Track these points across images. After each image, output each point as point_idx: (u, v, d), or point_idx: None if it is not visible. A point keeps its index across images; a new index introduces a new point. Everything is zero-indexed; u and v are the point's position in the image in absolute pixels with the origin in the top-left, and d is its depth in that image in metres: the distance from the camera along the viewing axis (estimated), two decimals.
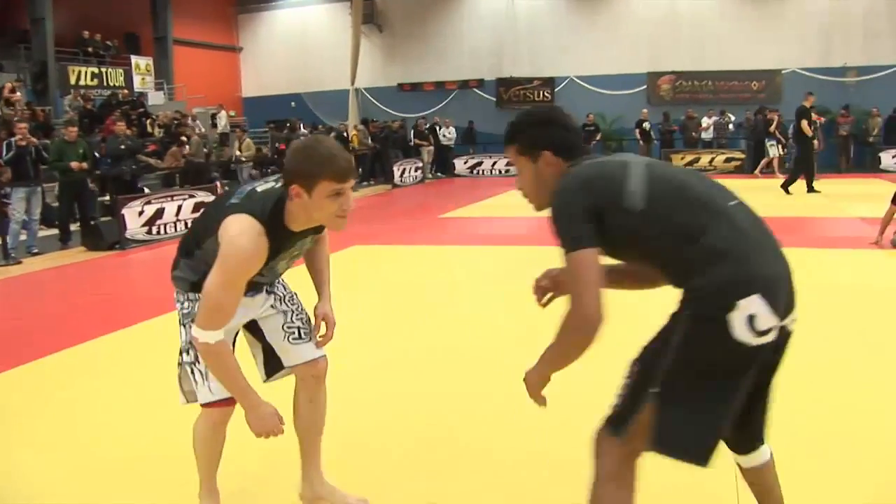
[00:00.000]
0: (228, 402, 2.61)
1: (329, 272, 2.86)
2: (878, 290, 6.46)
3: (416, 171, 20.21)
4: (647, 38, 22.36)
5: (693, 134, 20.61)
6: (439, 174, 21.62)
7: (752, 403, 2.15)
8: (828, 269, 7.20)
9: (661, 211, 2.02)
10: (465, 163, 22.11)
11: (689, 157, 20.25)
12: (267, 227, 2.33)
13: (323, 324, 2.80)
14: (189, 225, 2.50)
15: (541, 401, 2.20)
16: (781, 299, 1.96)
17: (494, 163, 21.82)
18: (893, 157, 19.62)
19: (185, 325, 2.61)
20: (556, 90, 22.93)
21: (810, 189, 14.22)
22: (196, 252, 2.51)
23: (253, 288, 2.61)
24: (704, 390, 2.00)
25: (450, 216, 12.59)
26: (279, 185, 2.39)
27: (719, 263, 1.95)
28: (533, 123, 2.27)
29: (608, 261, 2.25)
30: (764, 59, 21.77)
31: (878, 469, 3.16)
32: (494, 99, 23.55)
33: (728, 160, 20.50)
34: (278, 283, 2.80)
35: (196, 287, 2.51)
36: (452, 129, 22.14)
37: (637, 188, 2.04)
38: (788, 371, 2.18)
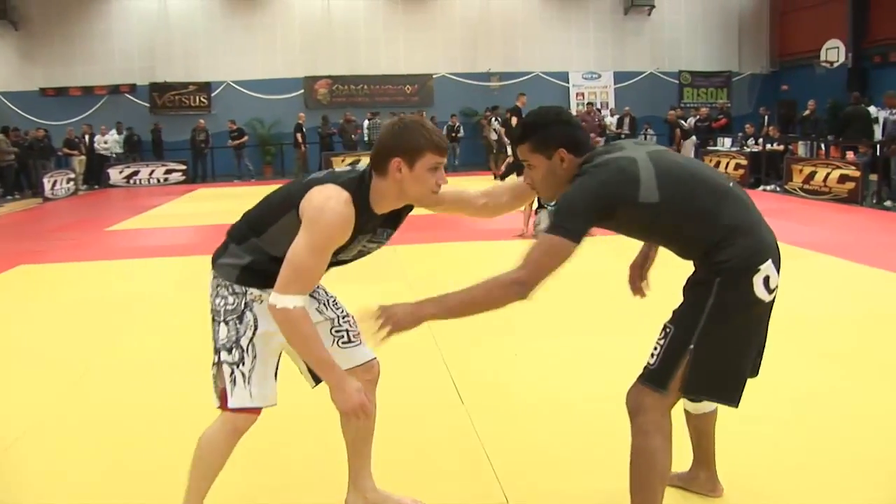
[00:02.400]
0: (258, 411, 2.68)
1: None
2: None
3: (68, 182, 20.24)
4: (303, 43, 24.48)
5: (352, 136, 21.96)
6: (95, 186, 21.85)
7: (759, 353, 2.73)
8: (484, 260, 8.31)
9: (678, 199, 2.47)
10: (121, 172, 22.35)
11: (349, 159, 21.45)
12: (354, 198, 2.49)
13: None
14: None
15: (383, 337, 2.47)
16: (779, 262, 2.54)
17: (152, 171, 22.06)
18: None
19: (226, 322, 2.66)
20: (212, 95, 24.22)
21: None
22: (253, 238, 2.64)
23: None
24: (734, 343, 2.55)
25: (118, 229, 12.78)
26: (359, 168, 2.61)
27: (738, 237, 2.47)
28: (546, 123, 2.63)
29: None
30: (416, 64, 24.87)
31: None
32: (148, 105, 24.15)
33: None
34: (319, 288, 2.92)
35: (245, 276, 2.64)
36: (114, 136, 22.55)
37: (650, 183, 2.46)
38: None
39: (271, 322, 2.56)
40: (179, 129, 22.78)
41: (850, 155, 15.02)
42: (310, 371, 2.82)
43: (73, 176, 20.62)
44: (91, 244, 11.00)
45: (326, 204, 2.45)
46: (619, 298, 3.60)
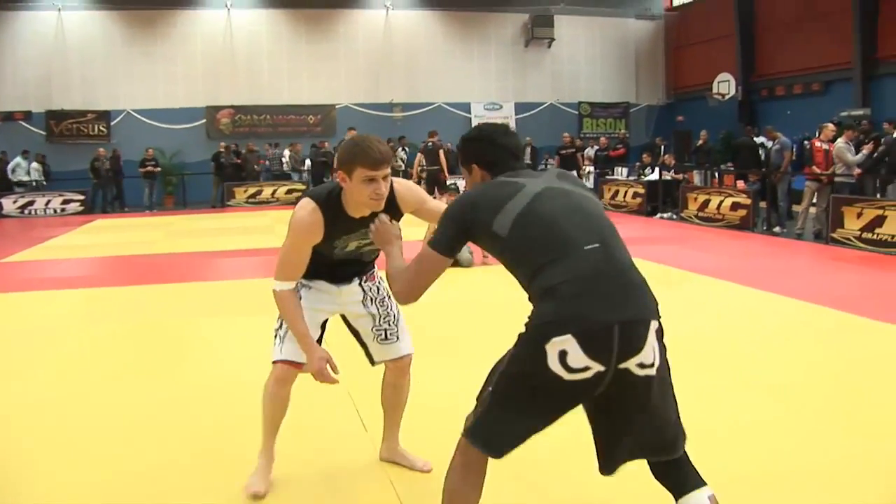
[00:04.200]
0: (292, 364, 3.45)
1: None
2: (470, 302, 8.18)
3: None
4: (205, 72, 25.77)
5: (255, 167, 21.87)
6: None
7: (619, 436, 2.56)
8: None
9: (518, 242, 2.51)
10: (15, 202, 22.43)
11: (251, 190, 21.55)
12: (321, 206, 3.19)
13: None
14: None
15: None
16: (605, 345, 2.35)
17: (48, 201, 21.94)
18: None
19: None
20: (111, 124, 25.25)
21: None
22: None
23: (341, 278, 3.53)
24: (519, 402, 2.47)
25: (16, 260, 12.57)
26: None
27: (547, 300, 2.41)
28: (466, 139, 2.92)
29: None
30: (319, 94, 26.44)
31: None
32: (45, 133, 24.75)
33: (289, 191, 22.07)
34: (375, 282, 3.66)
35: (307, 272, 3.37)
36: (34, 165, 22.59)
37: (508, 217, 2.52)
38: None
39: (315, 301, 3.47)
40: (78, 157, 23.37)
41: (740, 184, 15.73)
42: (366, 354, 3.67)
43: None
44: None
45: (297, 213, 3.20)
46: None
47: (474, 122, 26.58)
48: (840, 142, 13.66)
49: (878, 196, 12.94)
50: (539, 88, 27.91)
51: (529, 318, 2.45)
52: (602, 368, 2.35)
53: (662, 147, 21.70)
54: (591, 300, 2.38)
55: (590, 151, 22.96)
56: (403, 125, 25.65)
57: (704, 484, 2.59)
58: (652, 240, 13.27)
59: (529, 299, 2.52)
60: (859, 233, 12.03)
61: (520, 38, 27.83)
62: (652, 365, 2.43)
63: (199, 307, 8.39)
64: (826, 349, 6.20)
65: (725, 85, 24.14)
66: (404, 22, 26.81)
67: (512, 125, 26.80)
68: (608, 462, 2.60)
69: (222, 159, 22.91)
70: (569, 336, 2.33)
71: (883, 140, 13.58)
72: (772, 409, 4.68)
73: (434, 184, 17.63)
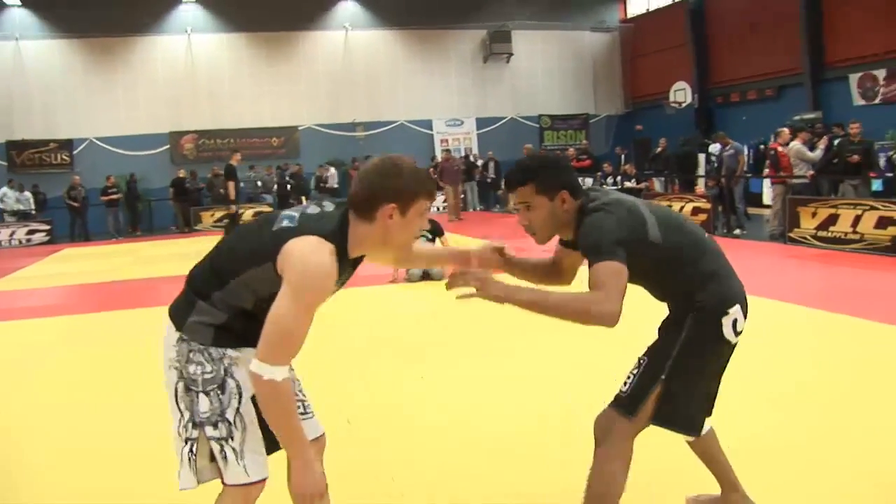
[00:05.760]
0: (263, 481, 2.53)
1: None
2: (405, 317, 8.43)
3: None
4: (167, 98, 25.82)
5: (220, 190, 21.93)
6: None
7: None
8: (361, 304, 9.05)
9: (673, 242, 2.82)
10: None
11: (218, 213, 21.37)
12: (337, 249, 2.37)
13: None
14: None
15: (468, 294, 2.66)
16: (748, 310, 2.91)
17: (13, 232, 21.86)
18: None
19: (207, 394, 2.46)
20: (74, 153, 25.22)
21: None
22: (216, 292, 2.45)
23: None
24: (700, 377, 2.90)
25: None
26: (333, 209, 2.49)
27: (714, 282, 2.86)
28: (547, 166, 2.89)
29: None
30: (282, 116, 26.56)
31: None
32: (6, 163, 24.65)
33: (258, 214, 21.78)
34: None
35: (221, 336, 2.47)
36: (26, 195, 22.47)
37: (654, 224, 2.80)
38: None
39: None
40: (41, 187, 23.34)
41: (697, 189, 16.08)
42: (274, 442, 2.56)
43: None
44: None
45: (310, 259, 2.29)
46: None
47: (437, 139, 27.26)
48: (796, 143, 14.11)
49: (833, 196, 13.35)
50: (499, 103, 28.26)
51: (692, 303, 2.83)
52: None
53: (623, 156, 22.11)
54: (735, 277, 2.93)
55: None
56: (366, 144, 25.83)
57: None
58: None
59: (676, 290, 2.89)
60: (815, 231, 12.45)
61: (478, 54, 28.21)
62: None
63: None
64: (787, 342, 6.45)
65: (682, 93, 24.63)
66: (364, 42, 27.08)
67: (474, 140, 27.23)
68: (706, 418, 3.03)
69: (187, 184, 23.06)
70: (737, 306, 2.85)
71: (836, 143, 14.02)
72: (739, 397, 4.65)
73: None
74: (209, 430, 2.45)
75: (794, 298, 8.09)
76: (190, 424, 2.48)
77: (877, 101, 19.31)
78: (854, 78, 19.86)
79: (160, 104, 25.39)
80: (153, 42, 25.43)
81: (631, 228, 2.73)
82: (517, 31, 27.86)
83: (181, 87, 25.54)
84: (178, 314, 2.51)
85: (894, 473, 3.77)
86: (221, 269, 2.45)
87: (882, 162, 16.59)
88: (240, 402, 2.48)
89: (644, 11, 28.83)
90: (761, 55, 22.80)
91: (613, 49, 29.68)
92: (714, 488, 3.31)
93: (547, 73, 28.97)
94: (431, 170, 21.60)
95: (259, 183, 24.43)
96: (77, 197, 22.18)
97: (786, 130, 15.31)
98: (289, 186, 23.38)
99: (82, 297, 11.20)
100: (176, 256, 15.72)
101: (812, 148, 14.13)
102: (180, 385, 2.49)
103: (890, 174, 15.96)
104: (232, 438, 2.46)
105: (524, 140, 25.86)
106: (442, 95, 27.86)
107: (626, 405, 2.84)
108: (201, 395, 2.45)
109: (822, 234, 12.36)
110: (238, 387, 2.48)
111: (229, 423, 2.46)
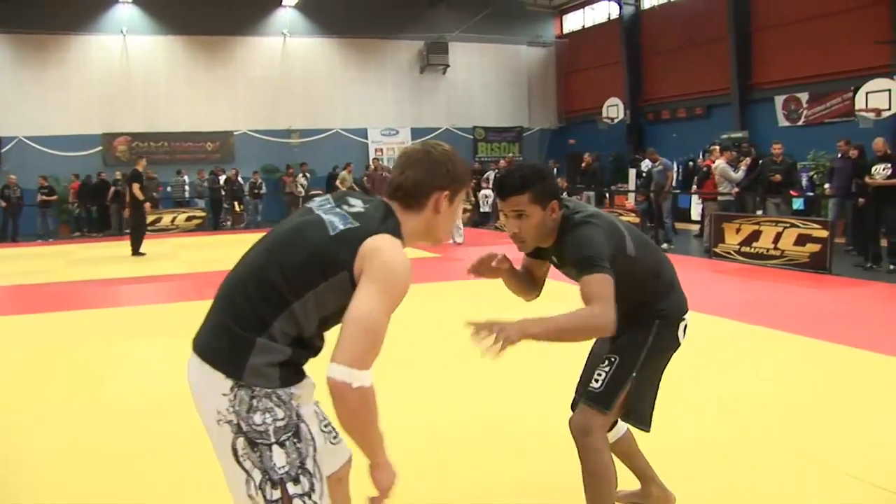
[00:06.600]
0: None
1: None
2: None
3: None
4: (101, 99, 25.43)
5: (154, 194, 21.93)
6: None
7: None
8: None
9: (644, 256, 3.07)
10: None
11: (151, 218, 21.60)
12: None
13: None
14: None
15: (498, 350, 2.52)
16: None
17: None
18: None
19: (282, 445, 2.13)
20: (2, 151, 24.62)
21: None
22: (278, 320, 2.11)
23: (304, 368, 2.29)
24: (657, 377, 3.21)
25: None
26: (371, 204, 2.30)
27: (673, 291, 3.20)
28: (544, 176, 2.94)
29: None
30: (217, 121, 26.43)
31: None
32: None
33: (189, 218, 22.11)
34: None
35: (287, 374, 2.16)
36: None
37: (629, 239, 3.02)
38: None
39: (315, 421, 2.31)
40: None
41: (628, 203, 16.50)
42: None
43: None
44: None
45: (397, 258, 2.13)
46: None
47: (371, 148, 27.38)
48: (720, 162, 14.61)
49: (759, 213, 13.83)
50: (435, 114, 28.52)
51: (657, 309, 3.12)
52: None
53: (556, 169, 22.47)
54: (680, 287, 3.24)
55: (490, 174, 22.92)
56: (301, 151, 25.97)
57: None
58: None
59: (644, 298, 3.10)
60: (738, 247, 12.90)
61: (415, 65, 28.43)
62: None
63: (108, 332, 8.47)
64: (707, 352, 6.65)
65: (614, 109, 25.09)
66: (301, 49, 27.10)
67: None
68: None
69: (119, 186, 22.60)
70: (689, 312, 3.21)
71: (760, 162, 14.53)
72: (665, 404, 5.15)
73: None
74: (291, 487, 2.11)
75: (716, 311, 8.40)
76: (268, 485, 2.11)
77: (800, 122, 19.99)
78: (779, 100, 20.51)
79: (93, 105, 25.02)
80: (87, 41, 25.06)
81: (616, 242, 2.92)
82: (455, 42, 28.17)
83: (115, 89, 25.21)
84: (227, 357, 2.12)
85: (807, 465, 4.08)
86: (277, 293, 2.11)
87: (804, 182, 17.27)
88: (315, 449, 2.20)
89: (580, 28, 29.37)
90: (692, 74, 23.42)
91: (549, 64, 30.19)
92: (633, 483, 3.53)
93: (483, 86, 29.35)
94: (365, 178, 21.86)
95: (186, 187, 24.32)
96: (11, 196, 21.68)
97: (717, 148, 15.87)
98: (223, 192, 23.50)
99: (14, 298, 10.98)
100: (110, 259, 15.56)
101: (735, 168, 14.65)
102: (240, 441, 2.11)
103: (811, 193, 16.62)
104: (313, 491, 2.15)
105: (459, 150, 25.67)
106: (378, 104, 28.01)
107: (602, 401, 3.04)
108: (275, 448, 2.11)
109: (745, 249, 12.79)
110: (310, 431, 2.21)
111: (310, 475, 2.15)
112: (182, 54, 25.95)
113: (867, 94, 16.46)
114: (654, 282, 3.13)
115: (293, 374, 2.17)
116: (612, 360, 3.09)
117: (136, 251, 15.99)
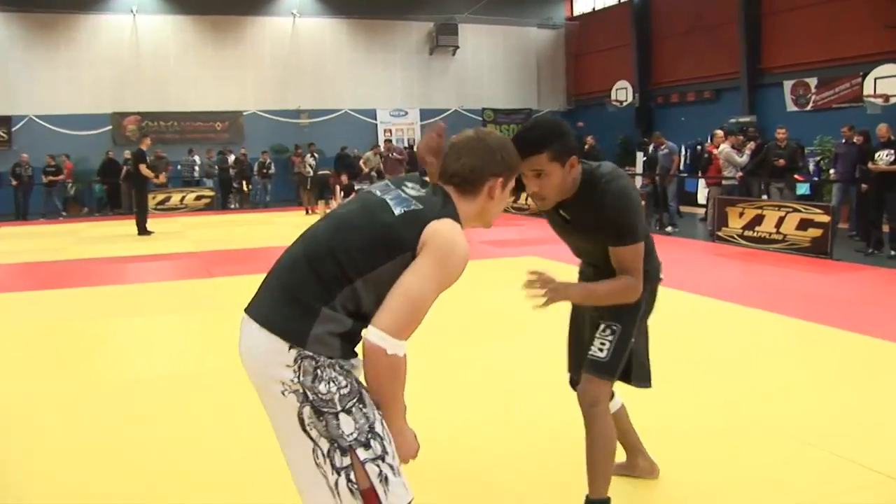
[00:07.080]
0: None
1: None
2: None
3: None
4: (111, 78, 25.45)
5: (164, 172, 21.91)
6: None
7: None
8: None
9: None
10: None
11: (160, 197, 21.75)
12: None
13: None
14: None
15: (544, 304, 2.92)
16: None
17: None
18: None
19: (349, 412, 2.18)
20: (13, 129, 24.67)
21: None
22: (341, 294, 2.18)
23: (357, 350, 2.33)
24: (646, 335, 3.37)
25: None
26: (430, 189, 2.39)
27: (653, 255, 3.23)
28: (562, 133, 2.84)
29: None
30: (227, 100, 26.47)
31: None
32: None
33: (199, 198, 22.24)
34: None
35: (348, 345, 2.23)
36: None
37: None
38: None
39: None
40: None
41: None
42: None
43: None
44: None
45: (458, 242, 2.22)
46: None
47: (380, 129, 27.43)
48: (725, 146, 14.69)
49: (765, 197, 13.90)
50: (444, 95, 28.52)
51: (646, 271, 3.06)
52: None
53: None
54: None
55: None
56: (310, 132, 25.96)
57: None
58: (545, 240, 13.72)
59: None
60: (741, 230, 13.01)
61: (425, 46, 28.37)
62: None
63: (114, 308, 8.65)
64: (708, 336, 6.89)
65: (623, 92, 25.08)
66: (311, 29, 27.06)
67: (417, 131, 27.46)
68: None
69: (128, 166, 22.57)
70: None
71: (766, 146, 14.57)
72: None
73: None
74: (361, 453, 2.16)
75: (717, 294, 8.55)
76: (337, 453, 2.17)
77: (808, 108, 19.96)
78: (788, 84, 20.46)
79: (103, 84, 25.03)
80: (97, 20, 25.06)
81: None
82: (464, 24, 28.12)
83: (125, 68, 25.22)
84: (291, 326, 2.18)
85: (806, 448, 4.19)
86: (341, 269, 2.18)
87: (811, 167, 17.30)
88: (381, 413, 2.27)
89: (590, 10, 29.22)
90: (702, 58, 23.39)
91: (558, 46, 30.10)
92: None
93: (492, 68, 29.31)
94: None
95: (196, 167, 24.56)
96: (22, 175, 21.86)
97: (719, 133, 15.94)
98: (231, 171, 23.65)
99: (22, 276, 11.14)
100: (118, 238, 15.72)
101: (741, 152, 14.71)
102: (306, 410, 2.17)
103: (816, 178, 16.65)
104: (387, 454, 2.20)
105: None
106: (387, 85, 27.98)
107: (609, 370, 3.11)
108: (342, 415, 2.16)
109: (748, 233, 12.88)
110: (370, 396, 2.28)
111: (381, 438, 2.20)
112: (192, 34, 25.92)
113: (875, 79, 16.45)
114: (646, 246, 3.13)
115: (350, 349, 2.24)
116: (615, 328, 3.11)
117: (141, 231, 16.17)
